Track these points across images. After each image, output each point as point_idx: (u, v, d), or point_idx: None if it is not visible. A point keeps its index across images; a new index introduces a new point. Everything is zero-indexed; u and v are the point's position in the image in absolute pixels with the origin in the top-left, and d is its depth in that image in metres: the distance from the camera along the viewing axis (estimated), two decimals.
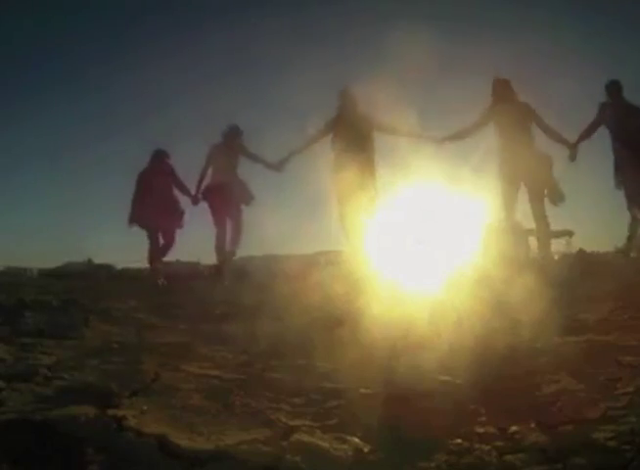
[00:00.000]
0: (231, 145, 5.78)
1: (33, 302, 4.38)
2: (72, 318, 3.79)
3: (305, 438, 1.69)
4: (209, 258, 7.71)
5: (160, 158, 5.94)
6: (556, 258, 7.15)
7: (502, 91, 5.18)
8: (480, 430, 1.77)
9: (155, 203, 5.71)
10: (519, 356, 2.60)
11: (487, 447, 1.63)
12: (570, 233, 8.48)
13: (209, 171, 5.80)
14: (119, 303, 4.65)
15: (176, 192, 5.99)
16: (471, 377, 2.27)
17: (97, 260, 8.53)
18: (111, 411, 1.84)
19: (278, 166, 5.76)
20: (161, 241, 5.94)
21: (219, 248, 5.82)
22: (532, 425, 1.76)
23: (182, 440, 1.68)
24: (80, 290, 5.31)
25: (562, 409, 1.88)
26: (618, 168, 5.32)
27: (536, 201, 5.18)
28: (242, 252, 7.66)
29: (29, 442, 1.63)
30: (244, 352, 2.94)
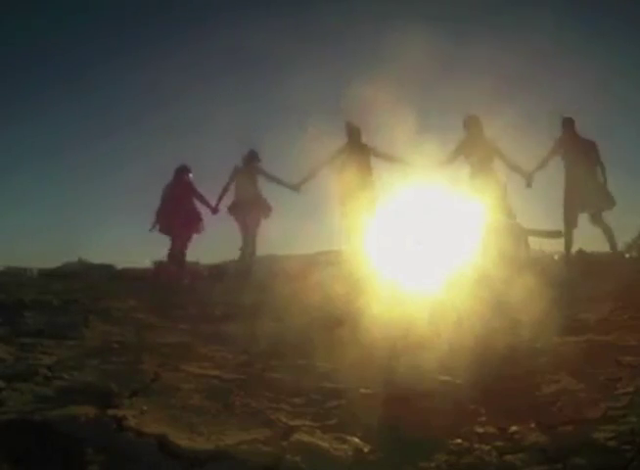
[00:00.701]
0: (250, 168, 6.68)
1: (33, 302, 4.38)
2: (72, 318, 3.79)
3: (305, 438, 1.69)
4: (210, 258, 7.81)
5: (182, 173, 6.72)
6: (556, 258, 7.18)
7: (472, 128, 6.33)
8: (480, 430, 1.77)
9: (175, 212, 6.49)
10: (519, 356, 2.60)
11: (487, 447, 1.63)
12: None
13: (234, 189, 6.70)
14: (119, 303, 4.65)
15: (196, 203, 6.74)
16: (471, 377, 2.26)
17: (96, 260, 8.53)
18: (111, 411, 1.84)
19: (295, 187, 6.61)
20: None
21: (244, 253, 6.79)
22: (532, 425, 1.76)
23: (182, 440, 1.67)
24: (80, 290, 5.31)
25: (562, 409, 1.88)
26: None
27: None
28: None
29: (29, 442, 1.63)
30: (244, 352, 2.94)
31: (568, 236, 6.32)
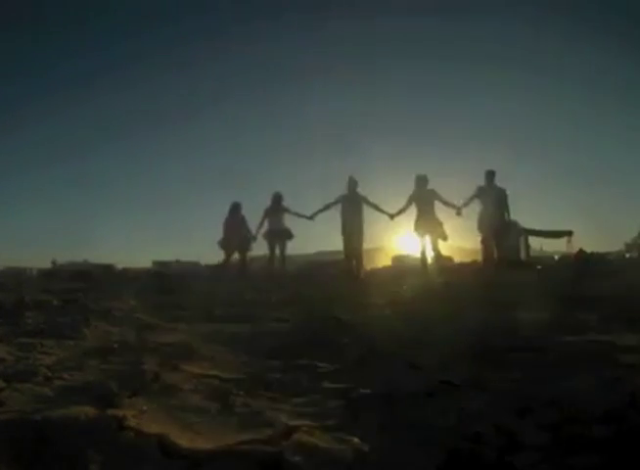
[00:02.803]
0: (277, 206, 9.90)
1: (33, 302, 4.39)
2: (72, 318, 3.80)
3: (305, 438, 1.69)
4: (210, 258, 8.07)
5: (235, 209, 10.33)
6: (556, 258, 7.24)
7: (419, 183, 8.89)
8: (480, 430, 1.76)
9: (231, 237, 10.06)
10: (518, 356, 2.60)
11: (487, 448, 1.63)
12: (569, 233, 8.56)
13: (268, 223, 9.89)
14: (119, 303, 4.66)
15: (245, 231, 10.18)
16: (471, 377, 2.27)
17: (97, 260, 8.57)
18: (111, 411, 1.84)
19: (310, 218, 9.60)
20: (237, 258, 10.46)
21: (270, 266, 10.02)
22: (532, 425, 1.76)
23: (182, 440, 1.67)
24: (80, 290, 5.31)
25: (562, 409, 1.88)
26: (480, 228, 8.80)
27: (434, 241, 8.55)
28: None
29: (29, 442, 1.63)
30: (244, 352, 2.94)
31: (488, 250, 8.51)
